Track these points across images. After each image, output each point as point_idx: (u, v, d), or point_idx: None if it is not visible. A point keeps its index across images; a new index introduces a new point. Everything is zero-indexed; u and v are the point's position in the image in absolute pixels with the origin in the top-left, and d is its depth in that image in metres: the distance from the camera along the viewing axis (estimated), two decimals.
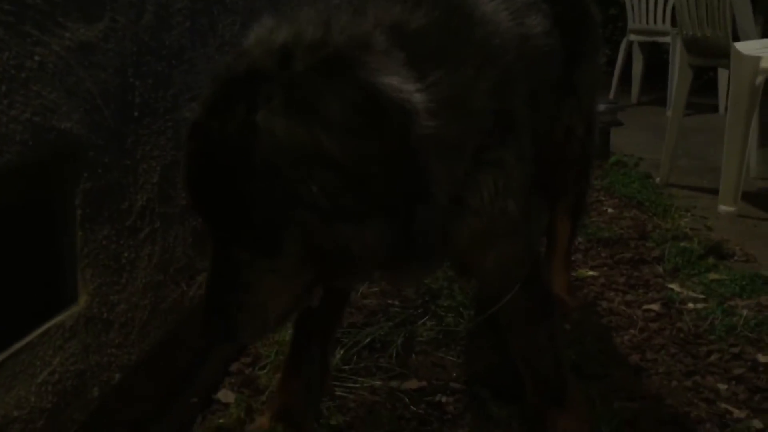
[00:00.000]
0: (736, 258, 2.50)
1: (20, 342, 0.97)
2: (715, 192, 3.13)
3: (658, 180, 3.53)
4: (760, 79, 2.90)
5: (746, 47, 3.04)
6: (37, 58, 0.95)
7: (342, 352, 1.81)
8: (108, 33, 1.12)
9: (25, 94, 0.93)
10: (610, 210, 3.10)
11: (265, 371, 1.75)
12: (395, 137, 0.98)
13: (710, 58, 3.27)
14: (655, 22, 5.75)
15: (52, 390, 1.02)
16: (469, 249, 1.24)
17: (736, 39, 3.18)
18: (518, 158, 1.22)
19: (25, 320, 1.01)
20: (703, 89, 5.84)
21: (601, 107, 3.83)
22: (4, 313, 1.00)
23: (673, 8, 4.18)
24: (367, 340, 1.89)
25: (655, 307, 2.12)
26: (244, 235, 0.98)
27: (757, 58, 2.91)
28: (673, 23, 4.51)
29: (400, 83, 0.99)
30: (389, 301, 2.16)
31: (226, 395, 1.67)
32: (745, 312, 2.02)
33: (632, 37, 6.10)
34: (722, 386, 1.69)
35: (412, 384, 1.72)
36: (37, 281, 1.08)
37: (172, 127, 1.38)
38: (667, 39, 5.63)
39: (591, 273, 2.39)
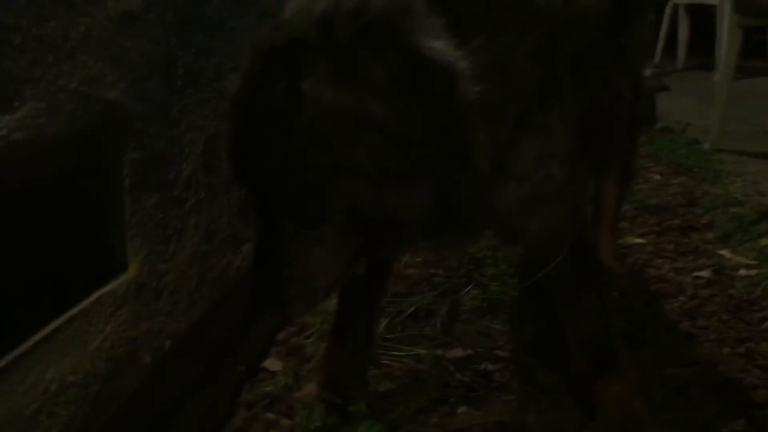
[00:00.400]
0: None
1: (74, 309, 0.99)
2: (767, 157, 3.04)
3: (706, 146, 3.44)
4: None
5: None
6: (82, 28, 0.96)
7: (386, 321, 1.81)
8: (150, 2, 1.12)
9: (72, 63, 0.94)
10: (657, 177, 3.03)
11: (311, 340, 1.76)
12: (441, 101, 0.97)
13: (761, 18, 3.15)
14: None
15: (106, 356, 1.05)
16: (514, 215, 1.22)
17: None
18: (562, 122, 1.20)
19: (78, 288, 1.03)
20: (753, 52, 5.65)
21: (647, 72, 3.74)
22: (57, 281, 1.03)
23: None
24: (411, 309, 1.89)
25: (705, 273, 2.07)
26: (289, 206, 0.98)
27: None
28: None
29: (443, 47, 0.97)
30: (433, 271, 2.15)
31: (273, 363, 1.69)
32: None
33: (678, 0, 5.92)
34: None
35: (458, 352, 1.72)
36: (89, 250, 1.09)
37: (216, 97, 1.38)
38: (714, 1, 5.45)
39: (638, 240, 2.35)
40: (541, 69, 1.13)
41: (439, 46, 0.97)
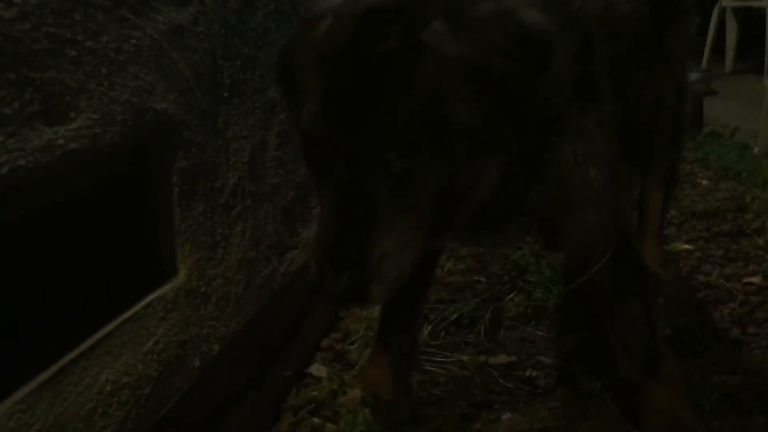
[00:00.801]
0: None
1: (127, 313, 1.02)
2: None
3: (756, 150, 3.36)
4: None
5: None
6: (133, 41, 1.00)
7: (429, 328, 1.82)
8: (197, 16, 1.16)
9: (124, 75, 0.98)
10: (704, 182, 2.97)
11: (355, 346, 1.78)
12: (540, 71, 1.00)
13: None
14: None
15: (157, 359, 1.08)
16: (553, 219, 1.22)
17: None
18: (599, 125, 1.20)
19: (129, 293, 1.07)
20: None
21: (694, 76, 3.68)
22: (111, 285, 1.07)
23: None
24: (455, 316, 1.89)
25: (756, 279, 2.03)
26: (385, 167, 0.92)
27: None
28: None
29: (540, 18, 1.01)
30: (476, 278, 2.15)
31: (318, 369, 1.72)
32: None
33: (725, 3, 5.81)
34: None
35: (502, 359, 1.72)
36: (139, 255, 1.13)
37: (260, 107, 1.42)
38: (763, 4, 5.33)
39: (686, 246, 2.31)
40: (578, 72, 1.14)
41: (537, 17, 1.01)
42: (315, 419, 1.52)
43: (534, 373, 1.65)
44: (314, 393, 1.58)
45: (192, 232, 1.18)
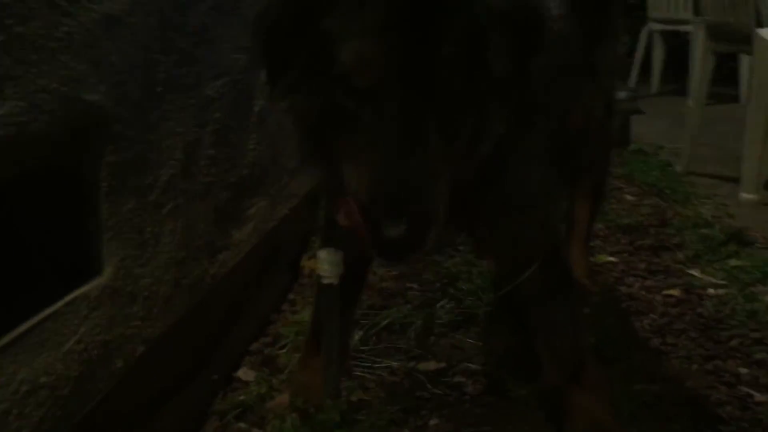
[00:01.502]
0: (757, 245, 2.47)
1: (47, 310, 0.98)
2: (736, 180, 3.10)
3: (678, 168, 3.50)
4: None
5: None
6: (64, 29, 0.96)
7: (361, 334, 1.82)
8: (133, 7, 1.13)
9: (53, 64, 0.94)
10: (630, 197, 3.08)
11: (285, 350, 1.76)
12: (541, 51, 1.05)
13: (732, 43, 3.23)
14: (675, 10, 5.69)
15: (78, 358, 1.04)
16: (488, 220, 1.24)
17: (759, 26, 3.14)
18: (542, 132, 1.23)
19: (52, 289, 1.03)
20: (724, 80, 5.78)
21: (622, 95, 3.80)
22: (30, 281, 1.02)
23: None
24: (386, 321, 1.90)
25: (675, 292, 2.10)
26: (437, 111, 0.90)
27: None
28: (695, 11, 4.46)
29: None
30: (408, 285, 2.16)
31: (246, 373, 1.69)
32: (767, 298, 2.00)
33: (653, 26, 6.05)
34: (743, 370, 1.67)
35: (431, 365, 1.73)
36: (63, 250, 1.09)
37: (196, 104, 1.39)
38: (688, 28, 5.55)
39: (611, 259, 2.38)
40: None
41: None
42: (241, 424, 1.49)
43: (462, 379, 1.67)
44: (241, 397, 1.56)
45: (120, 228, 1.14)
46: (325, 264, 1.35)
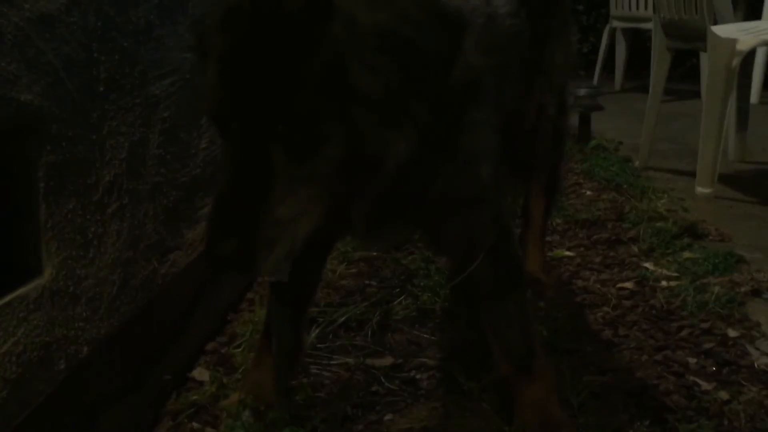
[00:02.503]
0: (710, 237, 2.52)
1: None
2: (692, 175, 3.16)
3: (637, 163, 3.56)
4: (736, 62, 2.92)
5: (723, 30, 3.05)
6: None
7: (317, 331, 1.83)
8: (70, 6, 1.12)
9: None
10: (588, 193, 3.12)
11: (240, 350, 1.76)
12: (452, 51, 1.00)
13: (688, 41, 3.29)
14: (637, 8, 5.77)
15: (16, 361, 1.03)
16: (437, 215, 1.25)
17: (714, 24, 3.20)
18: (488, 126, 1.23)
19: None
20: (686, 76, 5.88)
21: (582, 92, 3.87)
22: None
23: None
24: (343, 318, 1.90)
25: (629, 285, 2.14)
26: (284, 131, 0.90)
27: (734, 41, 2.93)
28: (655, 9, 4.52)
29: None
30: (366, 282, 2.17)
31: (200, 373, 1.69)
32: (717, 289, 2.04)
33: (615, 23, 6.13)
34: (692, 360, 1.71)
35: (386, 361, 1.74)
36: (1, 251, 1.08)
37: (141, 104, 1.38)
38: (649, 25, 5.62)
39: (567, 253, 2.41)
40: (473, 68, 1.16)
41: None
42: (194, 424, 1.49)
43: (417, 375, 1.68)
44: (195, 397, 1.56)
45: (60, 229, 1.13)
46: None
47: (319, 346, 1.78)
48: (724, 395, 1.55)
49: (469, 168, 1.21)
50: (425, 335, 1.86)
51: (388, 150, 0.98)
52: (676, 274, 2.19)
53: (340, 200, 1.02)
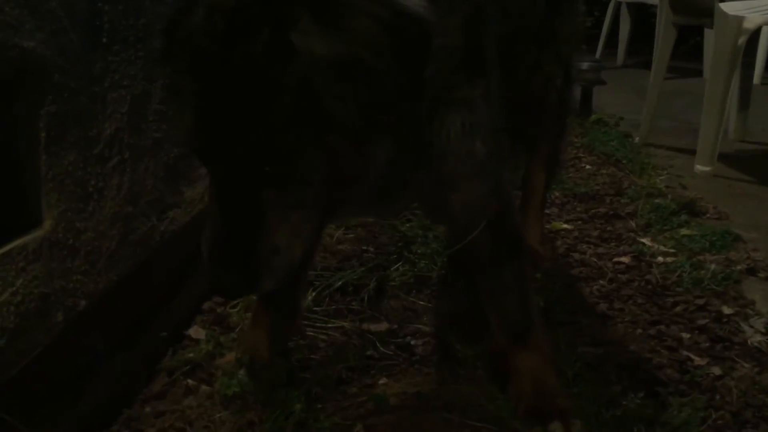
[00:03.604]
0: (708, 215, 2.53)
1: None
2: (692, 153, 3.15)
3: (637, 139, 3.55)
4: (742, 40, 2.90)
5: (730, 7, 3.02)
6: None
7: (314, 294, 1.82)
8: None
9: None
10: (588, 167, 3.11)
11: (237, 310, 1.76)
12: (420, 55, 0.99)
13: (694, 16, 3.26)
14: None
15: (15, 311, 1.03)
16: (436, 188, 1.24)
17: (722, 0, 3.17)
18: (486, 99, 1.21)
19: None
20: (690, 54, 5.84)
21: (585, 65, 3.83)
22: None
23: None
24: (340, 283, 1.90)
25: (625, 259, 2.14)
26: (269, 169, 0.93)
27: (741, 18, 2.90)
28: None
29: (416, 5, 0.99)
30: (363, 247, 2.17)
31: (197, 332, 1.69)
32: (713, 266, 2.05)
33: None
34: (685, 335, 1.72)
35: (382, 326, 1.74)
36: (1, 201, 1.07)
37: (143, 57, 1.36)
38: (655, 1, 5.59)
39: (565, 226, 2.41)
40: (467, 43, 1.15)
41: (413, 4, 0.98)
42: (190, 380, 1.49)
43: (412, 341, 1.68)
44: (191, 355, 1.56)
45: (60, 181, 1.12)
46: None
47: (315, 309, 1.78)
48: (716, 371, 1.56)
49: (465, 143, 1.20)
50: (421, 302, 1.86)
51: (367, 164, 1.00)
52: (672, 251, 2.19)
53: (332, 206, 1.05)
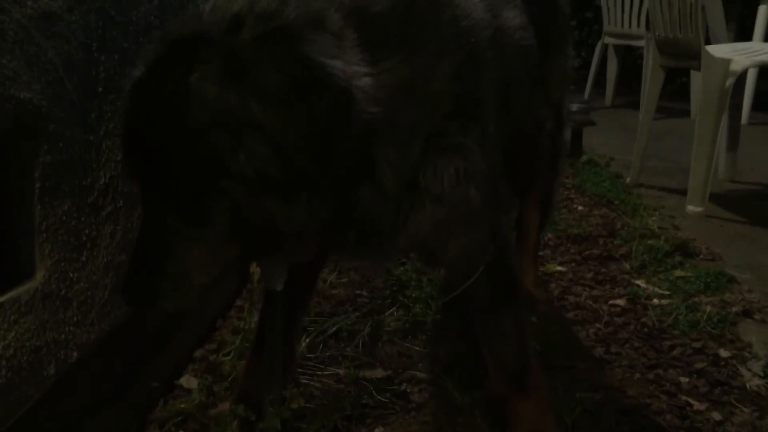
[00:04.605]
0: (701, 256, 2.53)
1: None
2: (683, 193, 3.17)
3: (628, 180, 3.57)
4: (729, 82, 2.94)
5: (717, 50, 3.08)
6: None
7: (308, 341, 1.80)
8: (72, 5, 1.10)
9: None
10: (580, 208, 3.12)
11: (229, 358, 1.73)
12: (330, 117, 0.97)
13: (682, 59, 3.31)
14: (630, 25, 5.81)
15: (7, 365, 1.00)
16: (432, 236, 1.23)
17: (708, 43, 3.22)
18: (481, 145, 1.20)
19: None
20: (676, 94, 5.93)
21: (575, 107, 3.87)
22: None
23: (648, 11, 4.21)
24: (334, 329, 1.88)
25: (620, 302, 2.14)
26: (173, 201, 0.98)
27: (728, 61, 2.95)
28: (648, 27, 4.56)
29: (345, 65, 0.98)
30: (357, 292, 2.15)
31: (188, 381, 1.66)
32: (708, 308, 2.05)
33: (607, 39, 6.16)
34: (684, 379, 1.71)
35: (378, 373, 1.72)
36: None
37: None
38: (641, 42, 5.70)
39: (559, 268, 2.40)
40: (460, 89, 1.14)
41: (338, 64, 0.97)
42: None
43: (408, 388, 1.66)
44: (183, 405, 1.53)
45: (54, 231, 1.11)
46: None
47: (309, 355, 1.76)
48: (716, 416, 1.55)
49: (460, 190, 1.18)
50: (417, 347, 1.84)
51: (277, 219, 0.99)
52: (667, 292, 2.19)
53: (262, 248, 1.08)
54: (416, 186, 1.13)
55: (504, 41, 1.35)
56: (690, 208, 3.06)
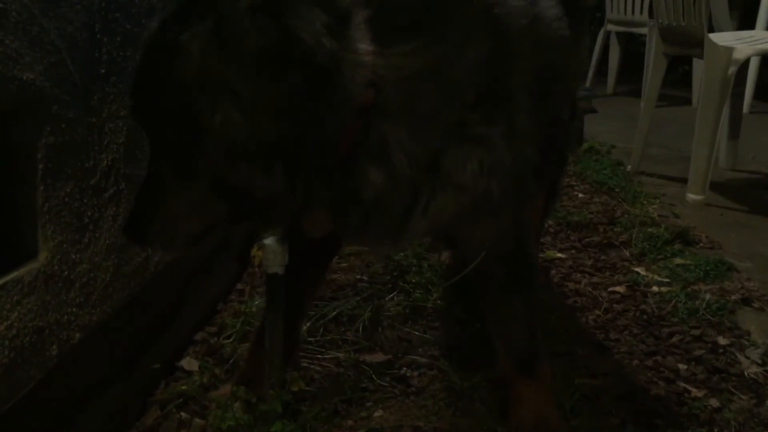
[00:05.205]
0: (701, 244, 2.53)
1: None
2: (684, 181, 3.17)
3: (628, 168, 3.57)
4: (732, 70, 2.93)
5: (720, 38, 3.07)
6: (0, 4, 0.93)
7: (308, 325, 1.81)
8: None
9: None
10: (580, 195, 3.12)
11: (230, 340, 1.74)
12: (304, 92, 0.98)
13: (685, 47, 3.30)
14: (633, 12, 5.78)
15: (9, 345, 1.01)
16: (453, 222, 1.22)
17: (711, 31, 3.21)
18: (506, 138, 1.16)
19: None
20: (679, 82, 5.91)
21: (578, 94, 3.85)
22: None
23: None
24: (334, 313, 1.89)
25: (620, 289, 2.14)
26: (167, 152, 1.04)
27: (731, 49, 2.94)
28: (651, 14, 4.54)
29: (334, 43, 0.98)
30: (358, 277, 2.16)
31: (189, 363, 1.67)
32: (707, 296, 2.05)
33: (610, 27, 6.14)
34: (682, 366, 1.71)
35: (378, 357, 1.73)
36: None
37: None
38: (644, 30, 5.66)
39: (559, 255, 2.41)
40: (487, 79, 1.11)
41: (326, 42, 0.97)
42: (182, 414, 1.47)
43: (408, 372, 1.67)
44: (184, 387, 1.53)
45: (57, 212, 1.11)
46: (270, 254, 1.33)
47: (309, 339, 1.77)
48: (714, 403, 1.55)
49: (480, 182, 1.16)
50: (417, 332, 1.85)
51: (250, 185, 1.01)
52: (667, 280, 2.20)
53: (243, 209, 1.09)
54: (437, 173, 1.11)
55: (541, 31, 1.30)
56: (690, 196, 3.06)
